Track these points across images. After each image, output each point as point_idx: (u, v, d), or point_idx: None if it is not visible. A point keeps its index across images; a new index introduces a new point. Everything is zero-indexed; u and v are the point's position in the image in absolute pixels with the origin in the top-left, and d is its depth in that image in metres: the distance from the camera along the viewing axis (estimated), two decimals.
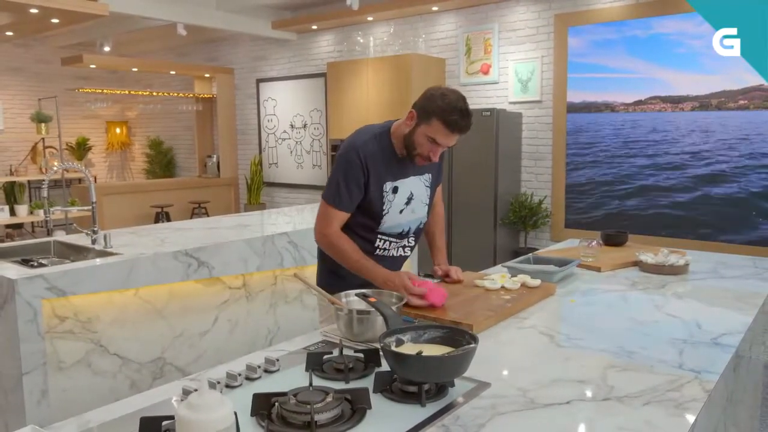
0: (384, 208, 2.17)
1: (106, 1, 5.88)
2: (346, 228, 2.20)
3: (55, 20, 6.15)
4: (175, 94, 9.67)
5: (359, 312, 1.71)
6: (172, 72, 9.38)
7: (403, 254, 2.33)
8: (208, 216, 8.00)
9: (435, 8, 6.73)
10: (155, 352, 3.19)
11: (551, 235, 6.29)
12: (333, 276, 2.27)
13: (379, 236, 2.23)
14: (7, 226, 7.98)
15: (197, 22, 7.32)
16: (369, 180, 2.11)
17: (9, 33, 7.13)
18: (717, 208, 5.39)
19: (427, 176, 2.29)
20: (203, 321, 3.41)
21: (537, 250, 3.48)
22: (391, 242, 2.26)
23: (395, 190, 2.17)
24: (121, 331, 3.03)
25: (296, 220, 4.36)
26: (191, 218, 8.21)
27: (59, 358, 2.79)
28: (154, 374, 3.20)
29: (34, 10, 5.67)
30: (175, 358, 3.28)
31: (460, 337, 1.48)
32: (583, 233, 5.66)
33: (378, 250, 2.26)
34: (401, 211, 2.22)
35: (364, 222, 2.20)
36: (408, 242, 2.32)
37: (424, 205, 2.31)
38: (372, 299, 1.64)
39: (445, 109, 1.98)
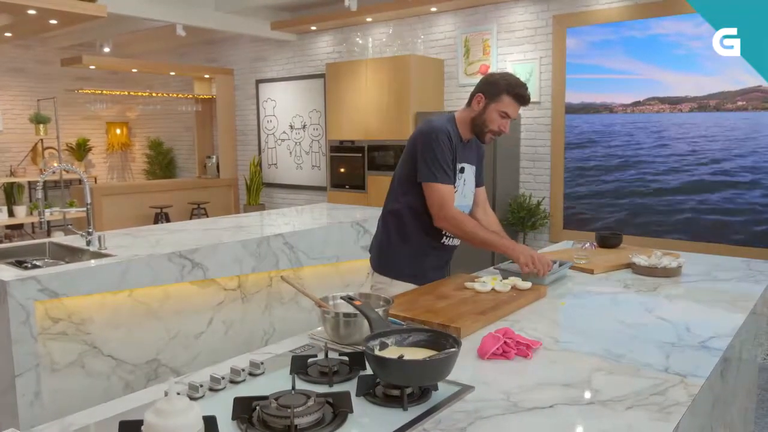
0: (456, 185, 2.44)
1: (105, 2, 5.88)
2: (418, 214, 2.43)
3: (53, 21, 6.15)
4: (175, 95, 9.67)
5: (345, 315, 1.70)
6: (172, 73, 9.39)
7: (457, 244, 2.59)
8: (207, 217, 8.00)
9: (433, 9, 6.72)
10: (150, 353, 3.20)
11: (550, 236, 6.28)
12: (416, 259, 2.49)
13: None
14: (7, 227, 8.00)
15: (196, 23, 7.32)
16: (455, 158, 2.40)
17: (8, 34, 7.14)
18: (716, 209, 5.37)
19: (474, 167, 2.58)
20: (198, 322, 3.41)
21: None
22: None
23: (462, 170, 2.47)
24: (115, 332, 3.04)
25: (295, 221, 4.35)
26: (191, 219, 8.22)
27: (53, 360, 2.80)
28: (149, 376, 3.20)
29: (32, 11, 5.67)
30: (170, 360, 3.28)
31: (444, 340, 1.47)
32: (582, 235, 5.65)
33: (444, 237, 2.50)
34: (464, 193, 2.51)
35: None
36: None
37: (472, 194, 2.59)
38: (357, 302, 1.64)
39: (512, 84, 2.38)
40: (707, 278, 2.61)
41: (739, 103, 5.23)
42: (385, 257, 2.53)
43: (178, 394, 1.34)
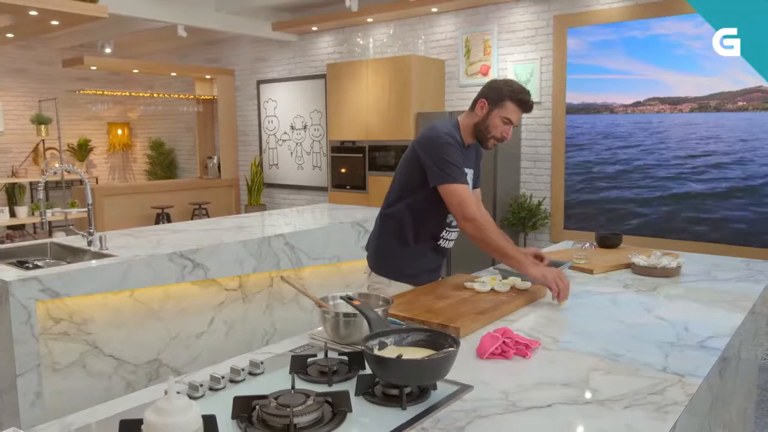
0: None
1: (106, 3, 5.89)
2: (417, 217, 2.44)
3: (54, 22, 6.17)
4: (176, 96, 9.69)
5: (345, 315, 1.71)
6: (173, 73, 9.40)
7: (451, 246, 2.61)
8: (208, 217, 8.02)
9: (434, 9, 6.73)
10: (151, 353, 3.21)
11: (550, 236, 6.28)
12: (384, 267, 2.53)
13: (446, 228, 2.51)
14: (9, 228, 8.02)
15: (197, 23, 7.34)
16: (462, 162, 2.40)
17: (10, 35, 7.15)
18: (716, 209, 5.38)
19: (471, 171, 2.55)
20: (199, 322, 3.42)
21: None
22: (451, 232, 2.53)
23: (466, 175, 2.44)
24: (117, 332, 3.05)
25: (296, 222, 4.36)
26: (192, 219, 8.24)
27: (54, 360, 2.81)
28: (150, 375, 3.21)
29: (33, 12, 5.69)
30: (171, 360, 3.29)
31: (442, 340, 1.48)
32: (583, 235, 5.66)
33: (441, 240, 2.52)
34: None
35: (441, 209, 2.41)
36: (456, 234, 2.57)
37: None
38: (356, 302, 1.65)
39: (515, 90, 2.39)
40: (707, 278, 2.62)
41: (740, 103, 5.23)
42: (384, 258, 2.54)
43: (178, 393, 1.36)
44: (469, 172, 2.54)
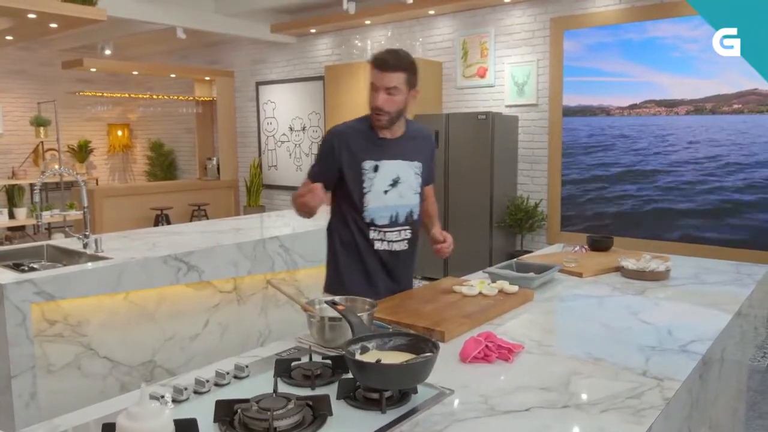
0: (365, 186, 2.30)
1: (105, 6, 5.92)
2: (344, 222, 2.38)
3: (53, 25, 6.20)
4: (176, 97, 9.73)
5: (331, 319, 1.73)
6: (173, 75, 9.45)
7: (404, 248, 2.41)
8: (207, 218, 8.05)
9: (432, 12, 6.76)
10: (145, 355, 3.23)
11: (547, 238, 6.31)
12: (336, 284, 2.47)
13: (371, 228, 2.34)
14: (9, 229, 8.05)
15: (196, 25, 7.37)
16: (342, 156, 2.29)
17: (9, 37, 7.18)
18: (710, 211, 5.39)
19: (417, 164, 2.39)
20: (194, 324, 3.45)
21: (532, 252, 3.51)
22: (385, 233, 2.35)
23: (376, 168, 2.30)
24: (111, 334, 3.07)
25: (293, 224, 4.38)
26: (191, 221, 8.26)
27: (49, 362, 2.83)
28: (145, 377, 3.23)
29: (32, 15, 5.72)
30: (166, 362, 3.32)
31: (423, 344, 1.50)
32: (580, 236, 5.67)
33: (376, 242, 2.36)
34: (386, 192, 2.32)
35: (352, 207, 2.33)
36: (404, 233, 2.39)
37: (415, 193, 2.40)
38: (340, 307, 1.67)
39: (374, 54, 2.26)
40: (695, 281, 2.64)
41: (735, 106, 5.25)
42: (329, 272, 2.55)
43: (163, 397, 1.38)
44: (402, 164, 2.35)
